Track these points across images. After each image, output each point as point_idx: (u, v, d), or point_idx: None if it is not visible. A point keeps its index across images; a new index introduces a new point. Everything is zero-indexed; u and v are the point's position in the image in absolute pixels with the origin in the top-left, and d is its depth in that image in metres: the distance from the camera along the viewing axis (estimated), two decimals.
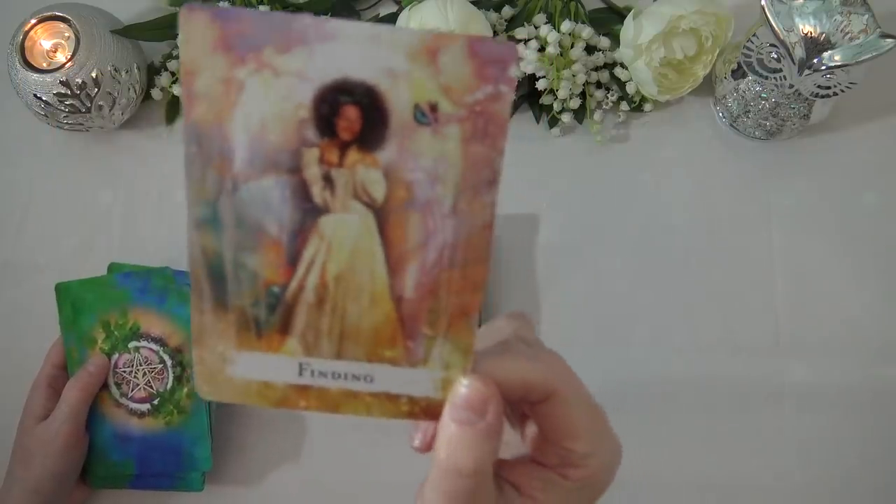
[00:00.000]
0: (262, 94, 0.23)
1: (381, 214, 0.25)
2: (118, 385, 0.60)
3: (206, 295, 0.26)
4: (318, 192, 0.25)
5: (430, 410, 0.26)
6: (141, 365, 0.60)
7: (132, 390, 0.60)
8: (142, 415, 0.59)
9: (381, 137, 0.24)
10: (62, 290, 0.61)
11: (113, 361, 0.60)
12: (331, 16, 0.66)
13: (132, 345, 0.60)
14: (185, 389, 0.59)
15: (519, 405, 0.28)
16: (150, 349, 0.60)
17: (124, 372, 0.60)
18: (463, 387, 0.25)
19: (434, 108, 0.23)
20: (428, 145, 0.24)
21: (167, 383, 0.60)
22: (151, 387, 0.60)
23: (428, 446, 0.27)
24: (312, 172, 0.24)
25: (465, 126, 0.23)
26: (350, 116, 0.24)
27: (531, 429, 0.29)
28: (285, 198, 0.25)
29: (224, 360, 0.27)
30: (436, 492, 0.25)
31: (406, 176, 0.24)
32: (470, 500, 0.25)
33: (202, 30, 0.23)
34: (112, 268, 0.64)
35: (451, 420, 0.25)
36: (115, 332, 0.60)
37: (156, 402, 0.60)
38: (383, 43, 0.23)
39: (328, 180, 0.24)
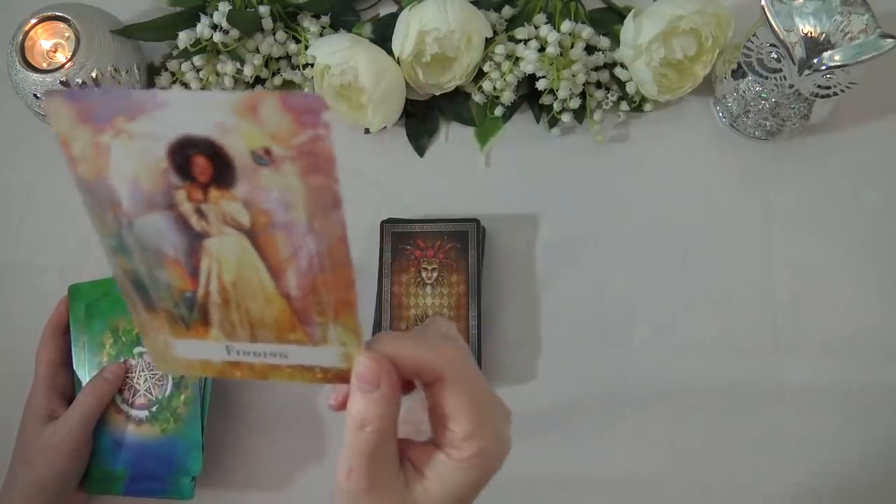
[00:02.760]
0: (125, 153, 0.28)
1: (252, 235, 0.29)
2: (120, 391, 0.60)
3: (137, 302, 0.32)
4: (195, 222, 0.29)
5: (340, 376, 0.32)
6: (143, 371, 0.60)
7: (133, 396, 0.60)
8: (140, 422, 0.59)
9: (232, 178, 0.28)
10: (76, 292, 0.61)
11: None
12: (331, 16, 0.66)
13: (137, 350, 0.60)
14: (183, 396, 0.59)
15: (413, 383, 0.33)
16: None
17: (127, 377, 0.60)
18: (359, 364, 0.30)
19: (268, 151, 0.27)
20: (272, 181, 0.27)
21: (166, 389, 0.60)
22: (151, 393, 0.60)
23: (340, 405, 0.32)
24: (186, 208, 0.29)
25: (299, 163, 0.27)
26: (200, 164, 0.28)
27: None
28: (171, 228, 0.30)
29: (167, 346, 0.33)
30: (349, 448, 0.31)
31: (262, 206, 0.28)
32: (375, 454, 0.31)
33: (63, 109, 0.27)
34: None
35: (355, 389, 0.30)
36: (123, 338, 0.60)
37: (154, 409, 0.60)
38: (210, 105, 0.27)
39: (200, 212, 0.29)
